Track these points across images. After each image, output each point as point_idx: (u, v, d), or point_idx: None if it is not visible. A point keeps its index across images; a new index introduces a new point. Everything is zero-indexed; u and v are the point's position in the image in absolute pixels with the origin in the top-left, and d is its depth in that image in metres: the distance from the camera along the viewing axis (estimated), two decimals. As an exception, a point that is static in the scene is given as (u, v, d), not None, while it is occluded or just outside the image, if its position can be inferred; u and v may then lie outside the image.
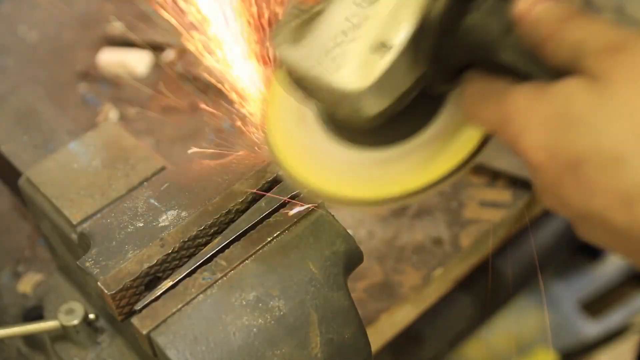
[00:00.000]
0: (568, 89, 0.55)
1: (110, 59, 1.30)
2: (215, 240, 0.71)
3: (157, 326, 0.66)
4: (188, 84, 1.28)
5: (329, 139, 0.68)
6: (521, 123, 0.56)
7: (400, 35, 0.59)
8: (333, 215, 0.72)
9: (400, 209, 1.10)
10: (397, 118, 0.63)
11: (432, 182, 0.66)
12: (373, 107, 0.61)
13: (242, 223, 0.71)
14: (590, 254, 1.73)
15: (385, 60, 0.59)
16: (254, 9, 0.80)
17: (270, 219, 0.71)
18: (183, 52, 1.31)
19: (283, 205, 0.72)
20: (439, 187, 0.67)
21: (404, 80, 0.61)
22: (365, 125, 0.63)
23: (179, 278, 0.68)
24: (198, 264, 0.69)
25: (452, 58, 0.61)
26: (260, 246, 0.70)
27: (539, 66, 0.58)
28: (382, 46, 0.59)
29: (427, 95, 0.63)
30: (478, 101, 0.60)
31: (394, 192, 0.66)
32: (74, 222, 0.79)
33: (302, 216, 0.71)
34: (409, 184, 0.66)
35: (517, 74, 0.58)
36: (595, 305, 1.74)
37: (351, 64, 0.60)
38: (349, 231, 0.71)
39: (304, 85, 0.63)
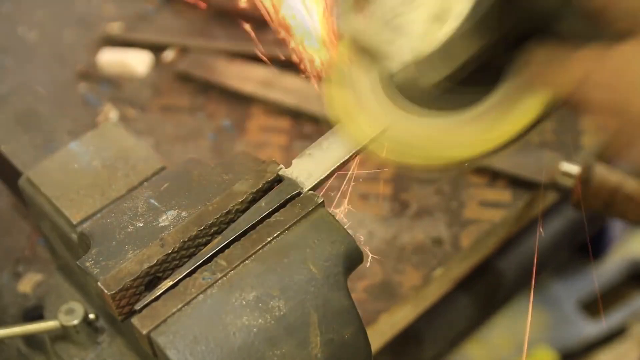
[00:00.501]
0: (628, 51, 0.59)
1: (110, 59, 1.30)
2: (215, 240, 0.71)
3: (157, 326, 0.66)
4: (188, 84, 1.28)
5: (392, 104, 0.68)
6: (587, 84, 0.60)
7: (461, 5, 0.59)
8: (333, 215, 0.72)
9: (400, 208, 1.10)
10: (458, 87, 0.64)
11: (494, 147, 0.67)
12: (432, 76, 0.62)
13: (242, 223, 0.71)
14: (590, 254, 1.73)
15: (444, 31, 0.60)
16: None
17: (270, 219, 0.71)
18: (183, 52, 1.31)
19: (283, 205, 0.72)
20: (499, 151, 0.68)
21: (464, 51, 0.62)
22: (425, 93, 0.65)
23: (179, 278, 0.68)
24: (198, 264, 0.69)
25: (512, 28, 0.61)
26: (260, 246, 0.69)
27: (599, 32, 0.59)
28: (441, 16, 0.60)
29: (487, 65, 0.64)
30: (545, 67, 0.63)
31: (457, 155, 0.67)
32: (74, 222, 0.79)
33: (302, 216, 0.71)
34: (475, 146, 0.67)
35: (578, 41, 0.60)
36: (595, 305, 1.74)
37: (411, 34, 0.61)
38: (349, 231, 0.71)
39: (366, 53, 0.64)
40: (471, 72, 0.64)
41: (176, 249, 0.70)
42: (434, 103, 0.67)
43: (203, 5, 1.38)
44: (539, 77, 0.64)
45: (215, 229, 0.72)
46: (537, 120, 0.66)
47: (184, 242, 0.71)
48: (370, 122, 0.70)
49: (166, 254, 0.70)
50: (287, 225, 0.71)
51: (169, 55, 1.32)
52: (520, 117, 0.66)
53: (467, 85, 0.65)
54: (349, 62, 0.69)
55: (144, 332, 0.65)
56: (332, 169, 0.75)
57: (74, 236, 0.78)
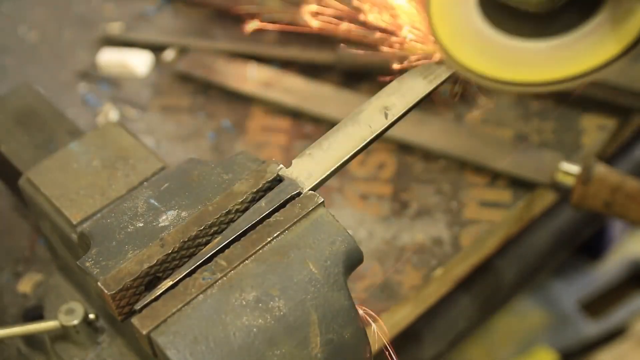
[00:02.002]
0: None
1: (110, 59, 1.30)
2: (215, 240, 0.71)
3: (157, 326, 0.66)
4: (188, 84, 1.28)
5: (492, 27, 0.70)
6: None
7: None
8: (333, 215, 0.72)
9: (400, 208, 1.10)
10: (559, 11, 0.67)
11: (598, 66, 0.69)
12: None
13: (242, 223, 0.71)
14: (590, 254, 1.73)
15: None
16: None
17: (270, 219, 0.71)
18: (183, 52, 1.31)
19: (283, 205, 0.72)
20: (603, 71, 0.69)
21: None
22: (534, 9, 0.67)
23: (179, 278, 0.68)
24: (198, 264, 0.69)
25: None
26: (260, 246, 0.70)
27: None
28: None
29: None
30: None
31: (563, 74, 0.69)
32: (74, 222, 0.79)
33: (302, 216, 0.71)
34: (583, 64, 0.69)
35: None
36: (595, 305, 1.74)
37: None
38: (349, 231, 0.71)
39: None
40: None
41: (176, 249, 0.70)
42: (538, 26, 0.69)
43: (203, 5, 1.38)
44: None
45: (215, 229, 0.72)
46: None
47: (184, 242, 0.71)
48: (470, 46, 0.72)
49: (166, 254, 0.70)
50: (287, 225, 0.71)
51: (169, 55, 1.32)
52: (624, 36, 0.68)
53: (570, 10, 0.68)
54: None
55: (144, 332, 0.65)
56: (332, 169, 0.75)
57: (74, 236, 0.78)
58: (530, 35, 0.71)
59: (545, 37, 0.71)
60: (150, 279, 0.70)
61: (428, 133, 1.17)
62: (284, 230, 0.70)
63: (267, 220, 0.71)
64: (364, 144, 0.76)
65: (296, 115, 1.22)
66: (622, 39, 0.68)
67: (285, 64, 1.28)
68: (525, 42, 0.71)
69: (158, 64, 1.31)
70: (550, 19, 0.70)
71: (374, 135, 0.76)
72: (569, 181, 1.07)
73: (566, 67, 0.69)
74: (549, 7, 0.69)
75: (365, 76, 1.25)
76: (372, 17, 0.86)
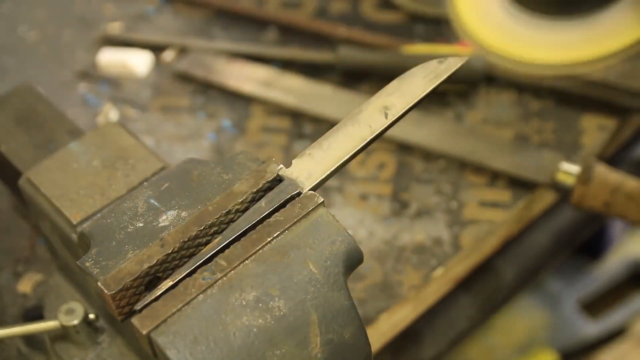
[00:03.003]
0: None
1: (110, 59, 1.30)
2: (215, 240, 0.71)
3: (157, 326, 0.66)
4: (188, 84, 1.28)
5: (517, 9, 0.69)
6: None
7: None
8: (333, 215, 0.72)
9: (400, 208, 1.10)
10: None
11: (625, 47, 0.68)
12: None
13: (242, 223, 0.71)
14: (590, 254, 1.73)
15: None
16: None
17: (270, 219, 0.71)
18: (183, 52, 1.31)
19: (283, 205, 0.72)
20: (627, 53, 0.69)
21: None
22: None
23: (179, 278, 0.68)
24: (198, 264, 0.69)
25: None
26: (260, 246, 0.70)
27: None
28: None
29: None
30: None
31: (589, 55, 0.68)
32: (74, 222, 0.79)
33: (302, 216, 0.71)
34: (610, 45, 0.68)
35: None
36: (595, 305, 1.74)
37: None
38: (349, 231, 0.71)
39: None
40: None
41: (176, 249, 0.70)
42: (557, 7, 0.67)
43: (203, 5, 1.38)
44: None
45: (215, 229, 0.72)
46: None
47: (184, 242, 0.71)
48: (495, 28, 0.71)
49: (166, 254, 0.70)
50: (287, 225, 0.71)
51: (169, 55, 1.32)
52: None
53: None
54: None
55: (144, 332, 0.65)
56: (332, 169, 0.75)
57: (74, 236, 0.78)
58: (558, 14, 0.69)
59: (573, 17, 0.69)
60: (150, 279, 0.70)
61: (428, 133, 1.17)
62: (284, 230, 0.70)
63: (267, 220, 0.71)
64: (364, 144, 0.76)
65: (296, 115, 1.22)
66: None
67: (285, 64, 1.28)
68: (552, 22, 0.69)
69: (158, 64, 1.31)
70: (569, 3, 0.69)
71: (374, 135, 0.76)
72: (569, 181, 1.07)
73: (592, 48, 0.67)
74: None
75: (365, 76, 1.25)
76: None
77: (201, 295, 0.67)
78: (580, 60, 0.67)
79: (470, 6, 0.72)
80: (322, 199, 0.72)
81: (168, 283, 0.68)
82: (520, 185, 1.12)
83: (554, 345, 1.69)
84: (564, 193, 1.10)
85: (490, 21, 0.70)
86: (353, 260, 0.71)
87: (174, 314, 0.66)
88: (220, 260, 0.69)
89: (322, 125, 1.20)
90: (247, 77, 1.25)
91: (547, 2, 0.68)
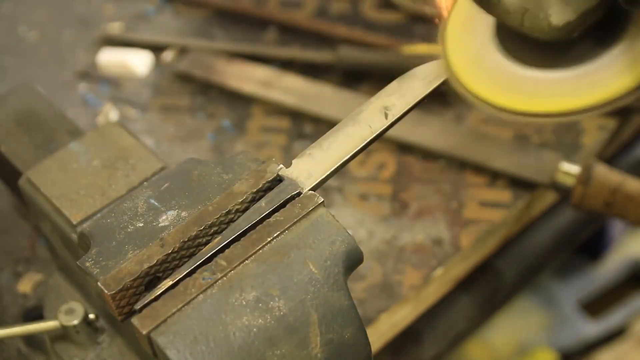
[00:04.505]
0: None
1: (110, 59, 1.30)
2: (215, 240, 0.71)
3: (157, 326, 0.66)
4: (188, 84, 1.28)
5: (507, 57, 0.69)
6: None
7: None
8: (333, 215, 0.72)
9: (400, 208, 1.10)
10: (575, 41, 0.65)
11: (614, 98, 0.68)
12: (559, 15, 0.62)
13: (242, 223, 0.71)
14: (590, 254, 1.74)
15: None
16: None
17: (270, 219, 0.71)
18: (183, 52, 1.31)
19: (283, 205, 0.72)
20: (619, 103, 0.68)
21: None
22: (549, 37, 0.65)
23: (179, 278, 0.68)
24: (198, 264, 0.69)
25: None
26: (260, 246, 0.70)
27: None
28: None
29: (607, 18, 0.64)
30: None
31: (577, 105, 0.68)
32: (74, 222, 0.79)
33: (302, 216, 0.71)
34: (598, 95, 0.67)
35: None
36: (595, 305, 1.74)
37: None
38: (349, 231, 0.71)
39: None
40: (593, 26, 0.64)
41: (176, 249, 0.70)
42: (553, 56, 0.67)
43: (203, 5, 1.38)
44: None
45: (215, 229, 0.72)
46: None
47: (184, 242, 0.71)
48: (485, 76, 0.71)
49: (166, 254, 0.70)
50: (287, 225, 0.71)
51: (169, 55, 1.32)
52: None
53: (582, 40, 0.66)
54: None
55: (144, 332, 0.65)
56: (332, 169, 0.75)
57: (74, 236, 0.78)
58: (546, 65, 0.69)
59: (561, 68, 0.69)
60: (150, 279, 0.70)
61: (428, 133, 1.17)
62: (284, 230, 0.70)
63: (267, 220, 0.71)
64: (364, 144, 0.76)
65: (296, 115, 1.22)
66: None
67: (285, 64, 1.28)
68: (541, 73, 0.69)
69: (158, 64, 1.31)
70: (566, 49, 0.68)
71: (374, 135, 0.76)
72: (569, 181, 1.07)
73: (580, 98, 0.67)
74: (564, 36, 0.67)
75: (365, 76, 1.25)
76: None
77: (201, 295, 0.67)
78: (570, 110, 0.67)
79: (460, 52, 0.72)
80: (322, 199, 0.72)
81: (168, 283, 0.68)
82: (521, 185, 1.12)
83: (554, 345, 1.69)
84: (564, 193, 1.10)
85: (480, 69, 0.71)
86: (353, 260, 0.71)
87: (174, 314, 0.66)
88: (220, 260, 0.69)
89: (322, 125, 1.20)
90: (247, 77, 1.25)
91: (538, 53, 0.68)
